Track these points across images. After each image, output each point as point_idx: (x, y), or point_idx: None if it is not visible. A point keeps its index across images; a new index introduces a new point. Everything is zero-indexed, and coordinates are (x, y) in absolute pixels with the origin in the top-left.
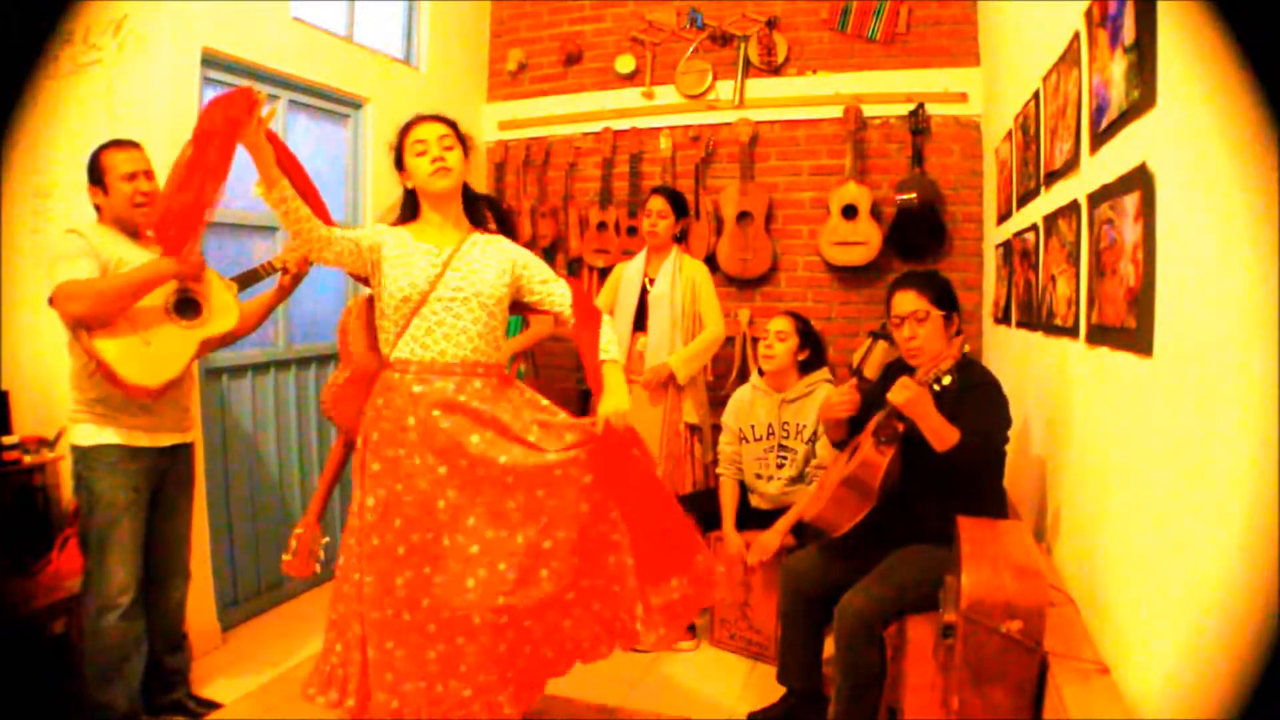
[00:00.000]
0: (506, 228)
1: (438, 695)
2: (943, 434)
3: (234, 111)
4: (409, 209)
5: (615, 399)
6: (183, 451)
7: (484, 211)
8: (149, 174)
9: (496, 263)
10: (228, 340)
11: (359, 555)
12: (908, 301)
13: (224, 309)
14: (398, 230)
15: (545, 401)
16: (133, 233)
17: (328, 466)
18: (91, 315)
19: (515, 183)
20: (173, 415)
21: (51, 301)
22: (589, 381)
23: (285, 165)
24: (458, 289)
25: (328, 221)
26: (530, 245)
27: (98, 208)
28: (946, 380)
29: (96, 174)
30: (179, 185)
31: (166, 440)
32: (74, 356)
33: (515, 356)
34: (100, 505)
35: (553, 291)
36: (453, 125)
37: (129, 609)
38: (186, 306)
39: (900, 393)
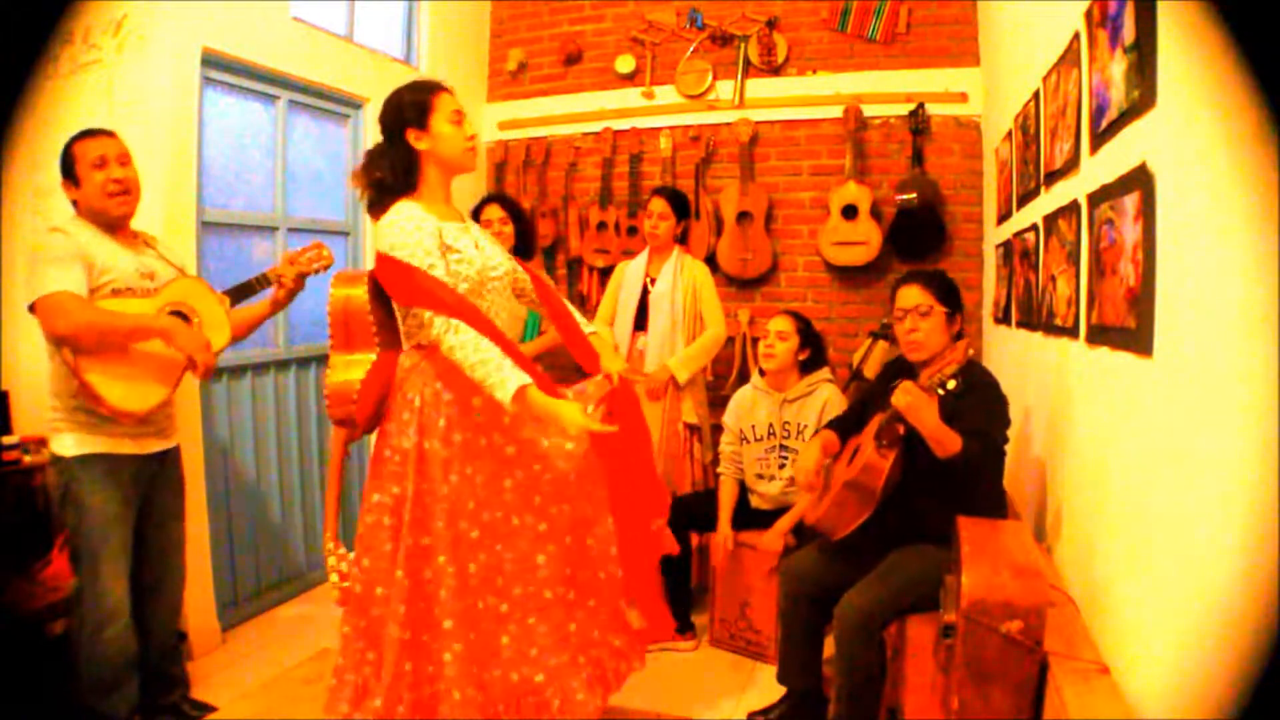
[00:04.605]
0: (526, 228)
1: (513, 684)
2: (945, 441)
3: None
4: (410, 174)
5: (618, 359)
6: (170, 456)
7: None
8: (122, 159)
9: (497, 244)
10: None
11: (398, 553)
12: (912, 295)
13: (216, 326)
14: (409, 204)
15: None
16: (111, 226)
17: (335, 477)
18: (73, 339)
19: (515, 183)
20: (157, 422)
21: (33, 310)
22: (572, 352)
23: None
24: (497, 267)
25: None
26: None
27: (74, 202)
28: (951, 385)
29: (68, 167)
30: None
31: (153, 447)
32: (55, 363)
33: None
34: (90, 519)
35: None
36: None
37: (125, 623)
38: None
39: (902, 397)
